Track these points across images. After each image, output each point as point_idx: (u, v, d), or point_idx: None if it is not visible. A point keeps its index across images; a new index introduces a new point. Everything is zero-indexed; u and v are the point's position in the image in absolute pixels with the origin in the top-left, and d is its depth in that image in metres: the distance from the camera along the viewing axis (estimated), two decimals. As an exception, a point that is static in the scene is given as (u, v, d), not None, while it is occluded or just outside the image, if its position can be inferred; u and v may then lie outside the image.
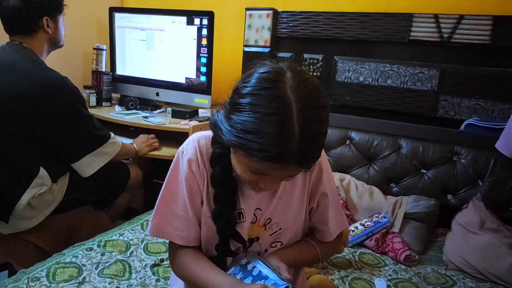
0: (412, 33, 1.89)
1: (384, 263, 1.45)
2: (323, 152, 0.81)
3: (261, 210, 0.83)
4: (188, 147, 0.82)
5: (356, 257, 1.47)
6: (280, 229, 0.86)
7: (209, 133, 0.81)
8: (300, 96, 0.62)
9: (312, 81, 0.66)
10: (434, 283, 1.33)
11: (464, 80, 1.83)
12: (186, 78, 2.25)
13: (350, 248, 1.51)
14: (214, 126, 0.71)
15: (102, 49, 2.43)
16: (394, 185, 1.84)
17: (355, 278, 1.33)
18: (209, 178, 0.81)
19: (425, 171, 1.80)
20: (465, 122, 1.81)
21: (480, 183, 1.71)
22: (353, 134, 1.94)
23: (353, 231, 1.56)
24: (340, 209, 0.94)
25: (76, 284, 1.16)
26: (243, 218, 0.83)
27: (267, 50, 2.18)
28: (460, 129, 1.81)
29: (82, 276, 1.21)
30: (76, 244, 1.37)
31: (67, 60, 2.37)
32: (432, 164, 1.78)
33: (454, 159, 1.77)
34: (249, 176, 0.70)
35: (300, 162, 0.64)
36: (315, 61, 2.14)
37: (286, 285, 0.71)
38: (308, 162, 0.66)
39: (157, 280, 1.23)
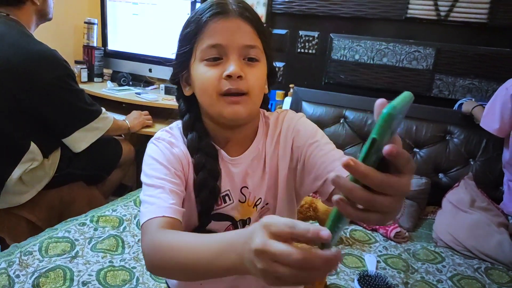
0: (409, 11, 1.87)
1: (375, 240, 1.47)
2: (296, 114, 0.81)
3: (248, 188, 0.78)
4: (161, 134, 0.77)
5: (347, 233, 1.49)
6: (267, 204, 0.81)
7: (170, 125, 0.80)
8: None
9: None
10: (423, 259, 1.36)
11: (459, 59, 1.82)
12: (179, 54, 2.21)
13: (341, 225, 1.53)
14: (172, 79, 0.77)
15: (94, 23, 2.37)
16: (387, 164, 1.85)
17: (346, 254, 1.35)
18: (191, 163, 0.75)
19: (417, 150, 1.81)
20: (459, 102, 1.81)
21: (472, 163, 1.73)
22: (348, 113, 1.93)
23: (345, 208, 1.57)
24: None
25: (69, 258, 1.17)
26: (230, 200, 0.78)
27: (262, 26, 2.14)
28: (454, 108, 1.82)
29: (75, 250, 1.21)
30: (69, 219, 1.37)
31: (57, 34, 2.32)
32: (425, 143, 1.79)
33: (447, 138, 1.77)
34: (215, 74, 0.68)
35: (238, 11, 0.69)
36: (310, 38, 2.11)
37: None
38: (244, 12, 0.70)
39: (150, 255, 1.24)
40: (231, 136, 0.76)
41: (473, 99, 1.76)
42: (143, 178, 0.72)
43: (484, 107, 1.59)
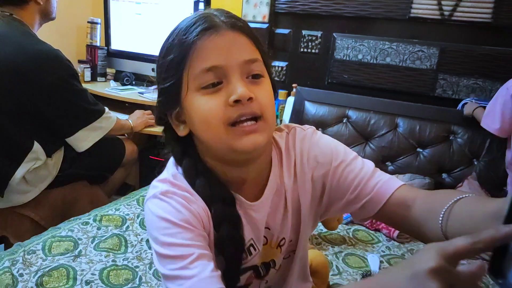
0: (412, 10, 1.86)
1: (378, 240, 1.46)
2: (305, 133, 0.70)
3: (269, 229, 0.69)
4: (168, 187, 0.61)
5: (350, 233, 1.49)
6: (290, 241, 0.72)
7: (170, 172, 0.64)
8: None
9: None
10: (427, 260, 1.35)
11: (463, 59, 1.81)
12: (182, 53, 2.21)
13: (344, 225, 1.53)
14: (160, 120, 0.65)
15: (97, 23, 2.38)
16: (390, 164, 1.84)
17: (348, 254, 1.35)
18: (210, 217, 0.62)
19: (421, 150, 1.80)
20: (462, 102, 1.80)
21: (476, 163, 1.72)
22: (350, 113, 1.93)
23: (348, 208, 1.57)
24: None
25: (72, 257, 1.17)
26: (255, 250, 0.68)
27: (265, 26, 2.14)
28: (457, 108, 1.81)
29: (78, 249, 1.21)
30: (72, 218, 1.38)
31: (60, 34, 2.32)
32: (429, 143, 1.79)
33: (451, 138, 1.77)
34: (218, 102, 0.56)
35: (228, 23, 0.58)
36: (313, 38, 2.11)
37: None
38: (236, 22, 0.59)
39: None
40: (245, 175, 0.64)
41: (473, 100, 1.75)
42: (157, 247, 0.57)
43: (484, 108, 1.59)
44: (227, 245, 0.61)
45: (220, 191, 0.62)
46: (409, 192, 0.61)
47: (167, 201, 0.59)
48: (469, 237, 0.36)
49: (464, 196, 0.52)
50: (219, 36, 0.57)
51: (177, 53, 0.58)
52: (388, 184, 0.63)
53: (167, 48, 0.61)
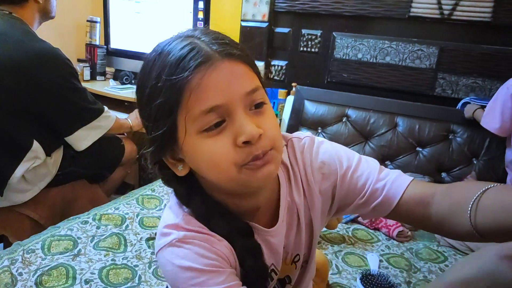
0: (412, 9, 1.86)
1: (377, 239, 1.46)
2: (304, 145, 0.67)
3: (284, 247, 0.68)
4: (185, 233, 0.57)
5: (350, 232, 1.49)
6: (304, 254, 0.72)
7: (181, 216, 0.60)
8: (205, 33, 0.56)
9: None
10: (426, 259, 1.35)
11: (463, 58, 1.81)
12: (181, 52, 2.21)
13: (344, 224, 1.53)
14: (154, 162, 0.59)
15: (96, 22, 2.37)
16: (389, 163, 1.85)
17: (348, 253, 1.35)
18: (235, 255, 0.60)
19: (420, 149, 1.80)
20: (462, 101, 1.80)
21: (475, 162, 1.72)
22: (350, 112, 1.93)
23: (347, 207, 1.57)
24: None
25: (71, 256, 1.17)
26: (276, 274, 0.68)
27: (264, 25, 2.14)
28: (457, 107, 1.81)
29: (78, 248, 1.21)
30: (71, 218, 1.38)
31: (60, 33, 2.32)
32: (428, 142, 1.79)
33: (450, 137, 1.77)
34: (225, 144, 0.52)
35: (223, 52, 0.52)
36: (313, 37, 2.10)
37: None
38: (231, 50, 0.53)
39: (152, 253, 1.24)
40: (257, 202, 0.62)
41: (473, 100, 1.75)
42: None
43: (484, 109, 1.59)
44: (254, 278, 0.60)
45: (237, 225, 0.60)
46: (425, 188, 0.59)
47: (188, 247, 0.55)
48: None
49: (491, 186, 0.50)
50: (216, 70, 0.51)
51: (168, 95, 0.51)
52: (397, 184, 0.60)
53: (151, 88, 0.53)
